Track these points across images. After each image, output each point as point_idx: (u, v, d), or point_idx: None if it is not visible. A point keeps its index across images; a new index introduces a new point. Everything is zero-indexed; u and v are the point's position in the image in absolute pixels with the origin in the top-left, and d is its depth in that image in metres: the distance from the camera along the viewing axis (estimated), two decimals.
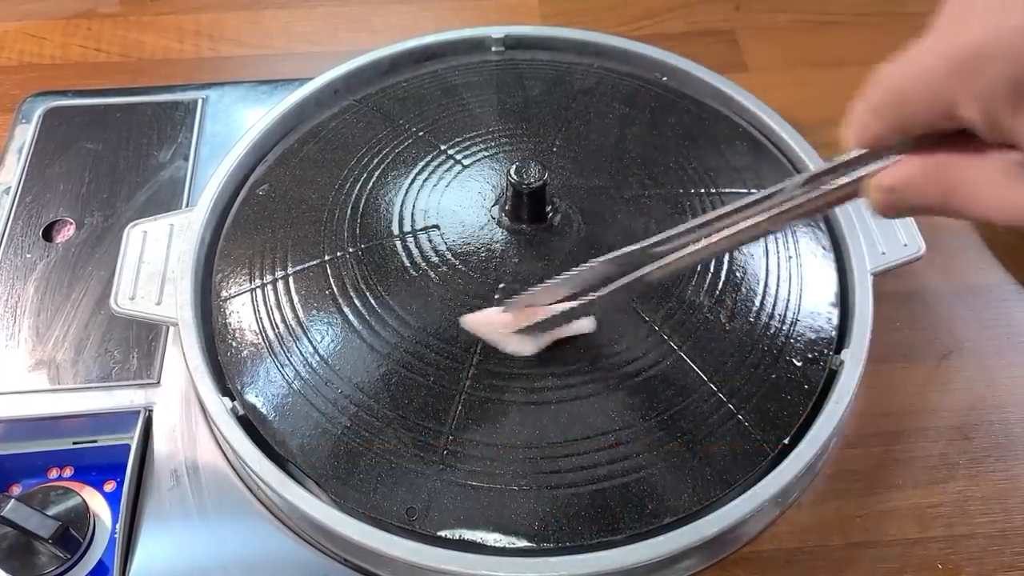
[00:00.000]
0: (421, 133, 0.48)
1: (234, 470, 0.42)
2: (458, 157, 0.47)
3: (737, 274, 0.42)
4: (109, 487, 0.42)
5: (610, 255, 0.34)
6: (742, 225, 0.30)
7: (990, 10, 0.20)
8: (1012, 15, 0.20)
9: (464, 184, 0.45)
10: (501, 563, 0.34)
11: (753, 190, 0.46)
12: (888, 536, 0.41)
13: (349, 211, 0.45)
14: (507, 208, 0.43)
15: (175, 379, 0.44)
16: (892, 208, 0.26)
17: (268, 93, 0.58)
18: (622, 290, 0.34)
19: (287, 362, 0.40)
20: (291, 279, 0.42)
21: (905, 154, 0.24)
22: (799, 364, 0.40)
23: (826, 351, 0.41)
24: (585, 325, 0.39)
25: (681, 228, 0.33)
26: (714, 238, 0.31)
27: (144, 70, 0.62)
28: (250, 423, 0.39)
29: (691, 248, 0.32)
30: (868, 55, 0.63)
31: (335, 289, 0.41)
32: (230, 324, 0.42)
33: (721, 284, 0.42)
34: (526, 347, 0.38)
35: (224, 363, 0.41)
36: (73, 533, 0.39)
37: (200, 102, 0.57)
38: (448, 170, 0.46)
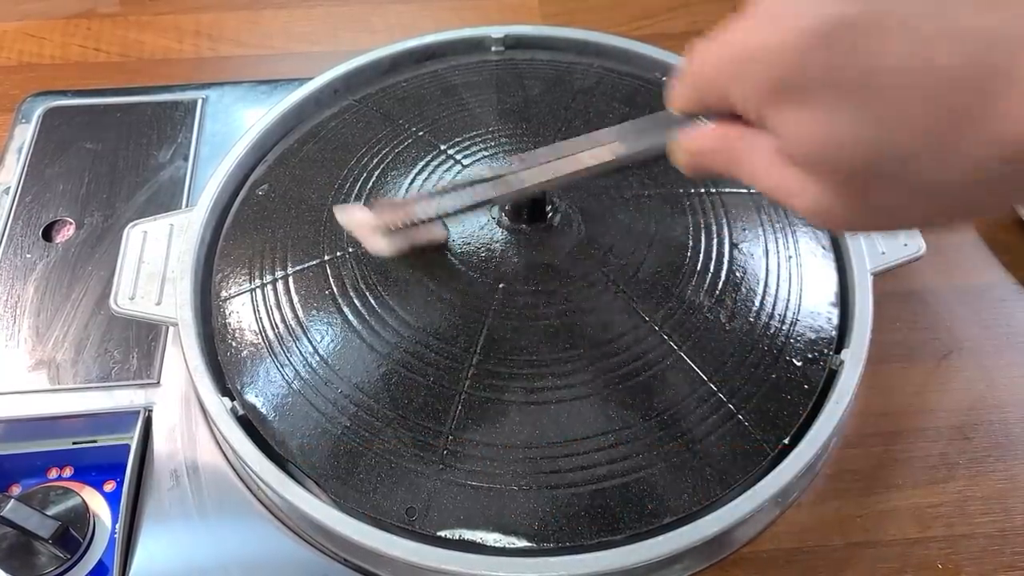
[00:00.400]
0: (421, 133, 0.48)
1: (234, 470, 0.42)
2: (458, 157, 0.47)
3: (737, 274, 0.42)
4: (109, 487, 0.42)
5: (471, 178, 0.38)
6: (588, 160, 0.34)
7: (774, 16, 0.23)
8: (780, 24, 0.22)
9: None
10: (501, 563, 0.34)
11: (753, 189, 0.46)
12: (888, 536, 0.41)
13: None
14: (507, 208, 0.43)
15: (175, 379, 0.44)
16: (691, 168, 0.29)
17: (268, 93, 0.58)
18: (471, 207, 0.37)
19: (287, 362, 0.40)
20: (291, 279, 0.42)
21: (711, 122, 0.28)
22: (799, 364, 0.40)
23: (826, 351, 0.41)
24: (438, 233, 0.41)
25: (536, 153, 0.36)
26: (564, 165, 0.34)
27: (144, 70, 0.62)
28: (250, 423, 0.39)
29: (543, 172, 0.35)
30: None
31: (335, 289, 0.41)
32: (230, 324, 0.42)
33: (721, 284, 0.42)
34: (382, 246, 0.40)
35: (224, 363, 0.41)
36: (73, 533, 0.39)
37: (200, 102, 0.57)
38: (448, 170, 0.46)
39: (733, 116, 0.26)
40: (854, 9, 0.21)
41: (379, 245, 0.40)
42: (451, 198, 0.38)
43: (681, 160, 0.29)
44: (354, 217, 0.41)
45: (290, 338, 0.40)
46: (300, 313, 0.41)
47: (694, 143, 0.28)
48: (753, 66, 0.23)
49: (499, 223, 0.43)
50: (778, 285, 0.42)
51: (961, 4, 0.20)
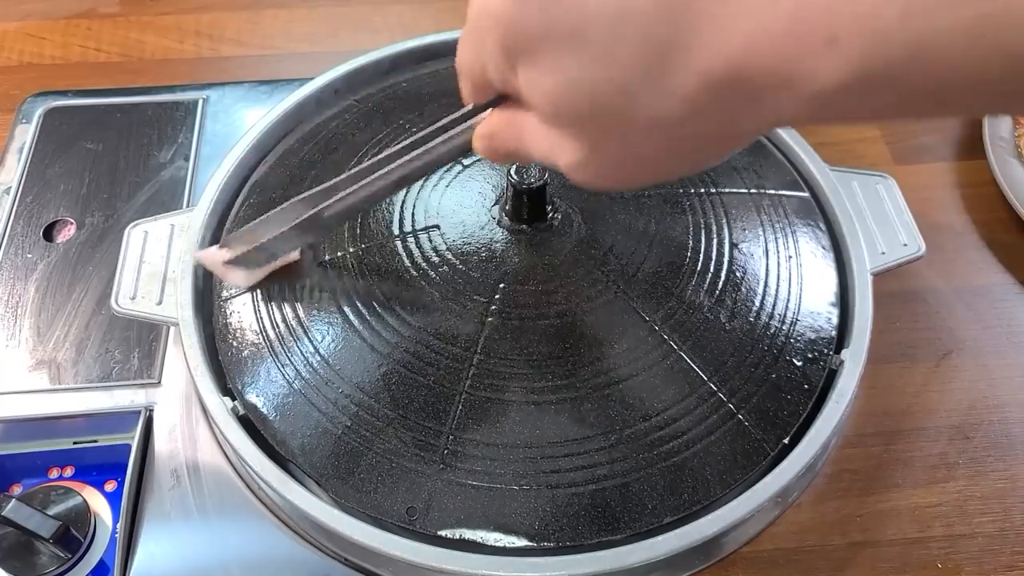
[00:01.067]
0: (421, 133, 0.48)
1: (234, 470, 0.42)
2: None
3: (737, 274, 0.42)
4: (110, 487, 0.42)
5: (295, 199, 0.39)
6: (397, 172, 0.35)
7: None
8: None
9: (464, 184, 0.45)
10: (501, 563, 0.34)
11: (753, 190, 0.46)
12: (888, 536, 0.41)
13: None
14: (507, 208, 0.43)
15: (176, 379, 0.44)
16: (489, 153, 0.30)
17: (268, 93, 0.58)
18: (302, 224, 0.38)
19: (287, 362, 0.40)
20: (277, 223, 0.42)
21: (497, 108, 0.29)
22: (799, 364, 0.40)
23: (826, 351, 0.41)
24: (291, 255, 0.42)
25: (349, 173, 0.37)
26: (373, 181, 0.36)
27: (144, 70, 0.62)
28: (250, 423, 0.39)
29: (362, 188, 0.36)
30: None
31: (336, 289, 0.41)
32: (231, 324, 0.42)
33: (721, 284, 0.42)
34: (240, 279, 0.41)
35: (225, 363, 0.41)
36: (74, 533, 0.39)
37: (200, 102, 0.57)
38: (448, 170, 0.46)
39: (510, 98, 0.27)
40: None
41: (237, 278, 0.41)
42: (276, 220, 0.39)
43: (477, 146, 0.31)
44: (210, 257, 0.42)
45: (291, 338, 0.40)
46: (301, 313, 0.41)
47: (483, 128, 0.30)
48: (486, 38, 0.24)
49: (499, 223, 0.43)
50: (778, 285, 0.42)
51: None
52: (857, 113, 0.22)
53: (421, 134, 0.35)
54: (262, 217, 0.40)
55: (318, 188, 0.38)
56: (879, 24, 0.19)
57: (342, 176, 0.38)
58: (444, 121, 0.33)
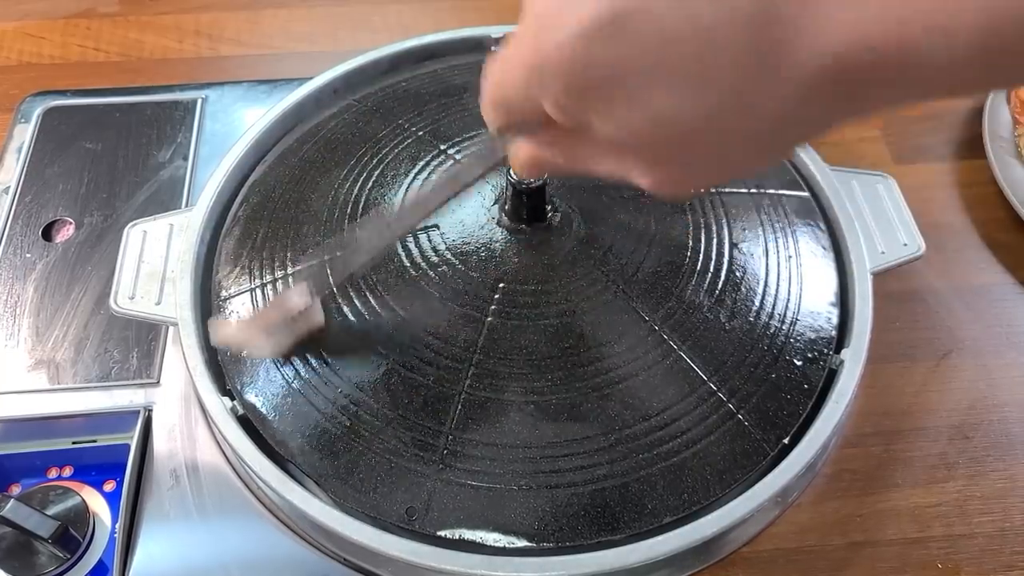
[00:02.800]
0: (421, 133, 0.48)
1: (234, 470, 0.42)
2: (458, 157, 0.47)
3: (737, 274, 0.42)
4: (109, 487, 0.42)
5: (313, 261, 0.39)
6: (432, 206, 0.35)
7: (543, 27, 0.23)
8: (559, 30, 0.23)
9: None
10: (501, 563, 0.34)
11: (753, 189, 0.46)
12: (887, 536, 0.41)
13: (349, 211, 0.45)
14: (507, 208, 0.43)
15: (175, 379, 0.44)
16: (532, 172, 0.31)
17: (267, 93, 0.58)
18: (325, 271, 0.38)
19: (287, 361, 0.40)
20: (291, 279, 0.42)
21: (531, 133, 0.29)
22: (799, 364, 0.40)
23: (826, 351, 0.41)
24: (316, 319, 0.40)
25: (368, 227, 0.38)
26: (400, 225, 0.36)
27: (144, 70, 0.62)
28: (250, 423, 0.39)
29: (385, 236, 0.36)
30: None
31: (335, 289, 0.41)
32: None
33: (721, 284, 0.42)
34: (265, 350, 0.39)
35: (224, 363, 0.41)
36: (73, 533, 0.39)
37: (200, 102, 0.57)
38: (448, 170, 0.46)
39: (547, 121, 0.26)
40: None
41: (263, 350, 0.39)
42: (302, 283, 0.38)
43: (522, 167, 0.31)
44: (226, 332, 0.39)
45: None
46: None
47: (528, 153, 0.30)
48: (551, 75, 0.24)
49: (499, 223, 0.43)
50: (778, 285, 0.42)
51: None
52: (965, 89, 0.22)
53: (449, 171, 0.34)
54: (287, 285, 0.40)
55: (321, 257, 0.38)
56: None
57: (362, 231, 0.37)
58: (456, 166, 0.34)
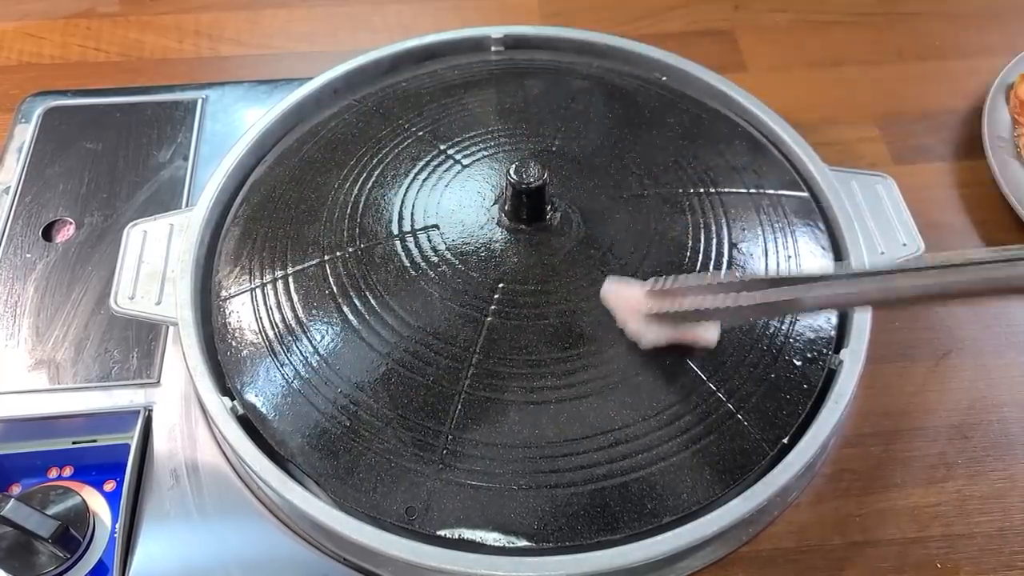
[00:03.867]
0: (421, 133, 0.48)
1: (234, 470, 0.42)
2: (458, 157, 0.47)
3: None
4: (109, 487, 0.42)
5: (770, 276, 0.33)
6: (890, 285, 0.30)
7: None
8: None
9: (464, 184, 0.45)
10: (501, 563, 0.34)
11: (752, 190, 0.46)
12: (887, 535, 0.41)
13: (349, 211, 0.45)
14: (507, 208, 0.43)
15: (175, 379, 0.44)
16: None
17: (268, 93, 0.58)
18: (765, 307, 0.33)
19: (287, 362, 0.40)
20: (291, 279, 0.42)
21: None
22: (798, 363, 0.40)
23: (825, 350, 0.41)
24: (711, 336, 0.37)
25: (836, 271, 0.33)
26: (865, 288, 0.31)
27: (144, 70, 0.62)
28: (250, 423, 0.39)
29: (843, 291, 0.31)
30: (867, 55, 0.64)
31: (335, 289, 0.41)
32: (230, 324, 0.42)
33: None
34: (644, 336, 0.37)
35: (224, 363, 0.41)
36: (73, 533, 0.39)
37: (200, 102, 0.57)
38: (448, 170, 0.46)
39: None
40: None
41: (640, 333, 0.37)
42: (746, 297, 0.33)
43: None
44: (620, 293, 0.37)
45: (290, 337, 0.40)
46: (300, 313, 0.41)
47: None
48: None
49: (499, 223, 0.43)
50: None
51: None
52: None
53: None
54: (707, 275, 0.35)
55: (797, 275, 0.33)
56: None
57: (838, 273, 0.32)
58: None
